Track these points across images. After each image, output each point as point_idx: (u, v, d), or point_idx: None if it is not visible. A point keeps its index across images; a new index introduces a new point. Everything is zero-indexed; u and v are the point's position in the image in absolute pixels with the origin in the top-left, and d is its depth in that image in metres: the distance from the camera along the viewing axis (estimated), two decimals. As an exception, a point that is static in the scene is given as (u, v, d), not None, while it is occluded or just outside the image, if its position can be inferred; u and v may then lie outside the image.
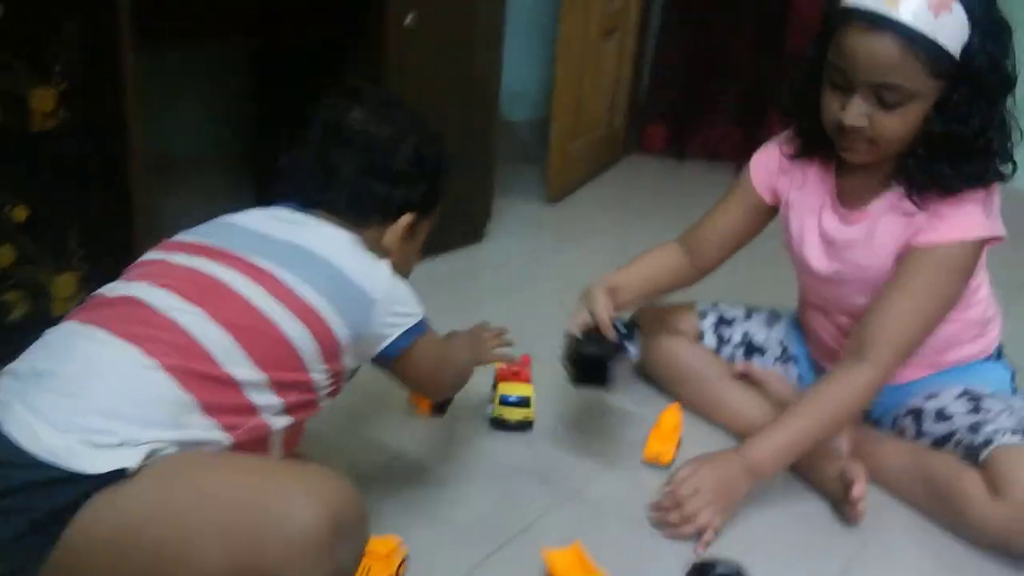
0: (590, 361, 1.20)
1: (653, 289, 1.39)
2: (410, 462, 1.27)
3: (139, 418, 0.74)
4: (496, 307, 1.83)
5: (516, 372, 1.43)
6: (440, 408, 1.38)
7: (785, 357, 1.44)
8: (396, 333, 0.93)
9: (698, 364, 1.42)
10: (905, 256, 1.15)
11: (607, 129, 3.21)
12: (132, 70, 1.41)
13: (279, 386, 0.83)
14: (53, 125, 1.38)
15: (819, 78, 1.13)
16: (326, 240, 0.92)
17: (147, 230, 1.48)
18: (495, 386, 1.41)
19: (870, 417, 1.34)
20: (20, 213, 1.36)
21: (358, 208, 0.96)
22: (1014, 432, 1.12)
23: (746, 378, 1.39)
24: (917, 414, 1.25)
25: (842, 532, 1.17)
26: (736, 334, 1.45)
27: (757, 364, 1.42)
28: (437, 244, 2.13)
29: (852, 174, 1.21)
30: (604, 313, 1.21)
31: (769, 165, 1.32)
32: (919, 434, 1.24)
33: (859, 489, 1.12)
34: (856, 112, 1.07)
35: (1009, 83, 1.07)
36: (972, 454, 1.14)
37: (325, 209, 0.96)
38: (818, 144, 1.22)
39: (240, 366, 0.80)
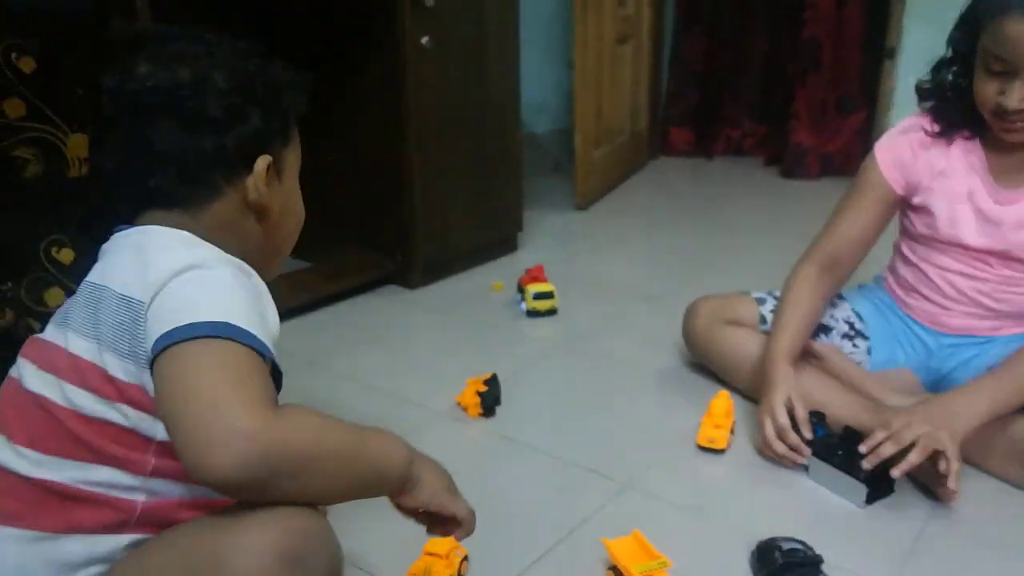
0: (879, 474, 1.13)
1: (811, 329, 1.36)
2: (462, 464, 1.26)
3: None
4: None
5: (535, 277, 1.87)
6: (489, 409, 1.39)
7: (852, 333, 1.41)
8: (168, 326, 0.63)
9: (760, 351, 1.39)
10: None
11: (630, 134, 3.22)
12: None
13: (100, 458, 0.66)
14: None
15: (967, 65, 1.19)
16: (143, 246, 0.71)
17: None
18: (521, 289, 1.85)
19: (949, 375, 1.32)
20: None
21: (196, 178, 0.73)
22: None
23: (804, 355, 1.36)
24: None
25: (914, 500, 1.14)
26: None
27: (823, 343, 1.40)
28: (471, 257, 2.16)
29: (1006, 154, 1.24)
30: (803, 413, 1.23)
31: (901, 157, 1.32)
32: None
33: (955, 467, 1.08)
34: (1019, 96, 1.13)
35: None
36: None
37: (159, 205, 0.73)
38: (963, 128, 1.26)
39: (48, 469, 0.66)
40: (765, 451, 1.24)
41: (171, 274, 0.66)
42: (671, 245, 2.43)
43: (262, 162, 0.76)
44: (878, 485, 1.14)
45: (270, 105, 0.78)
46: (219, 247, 0.72)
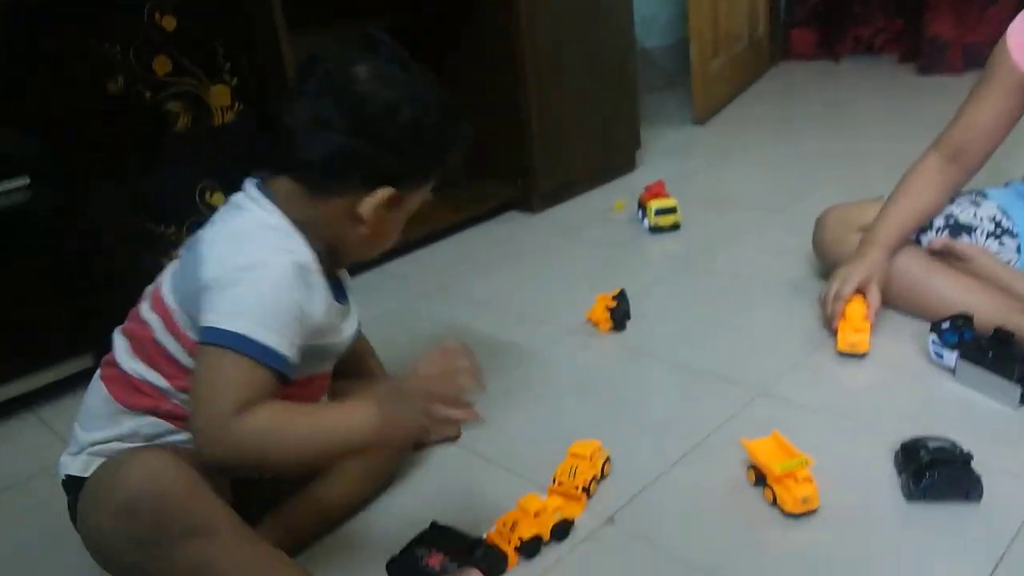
0: None
1: (921, 221, 1.33)
2: (595, 376, 1.31)
3: (87, 424, 0.90)
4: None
5: (657, 193, 1.87)
6: (620, 323, 1.42)
7: (999, 232, 1.33)
8: (206, 323, 0.80)
9: (899, 258, 1.34)
10: None
11: (749, 41, 3.08)
12: (289, 55, 1.52)
13: (158, 367, 0.88)
14: (232, 119, 1.52)
15: None
16: (229, 229, 0.87)
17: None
18: (643, 206, 1.87)
19: None
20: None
21: (336, 168, 0.86)
22: None
23: (946, 257, 1.31)
24: None
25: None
26: (938, 218, 1.36)
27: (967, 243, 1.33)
28: (591, 179, 2.16)
29: None
30: (876, 302, 1.26)
31: None
32: None
33: None
34: None
35: None
36: None
37: (292, 175, 0.87)
38: None
39: (133, 362, 0.89)
40: (821, 305, 1.29)
41: (234, 269, 0.81)
42: (795, 155, 2.34)
43: (384, 193, 0.87)
44: None
45: (428, 159, 0.91)
46: (311, 232, 0.87)
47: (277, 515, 0.97)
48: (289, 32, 1.51)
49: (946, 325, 1.19)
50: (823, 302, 1.30)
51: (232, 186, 1.53)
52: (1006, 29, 3.17)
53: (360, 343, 1.13)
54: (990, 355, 1.12)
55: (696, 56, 2.61)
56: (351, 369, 1.10)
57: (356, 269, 1.74)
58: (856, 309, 1.28)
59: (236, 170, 1.51)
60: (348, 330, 0.97)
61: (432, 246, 1.91)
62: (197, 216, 1.51)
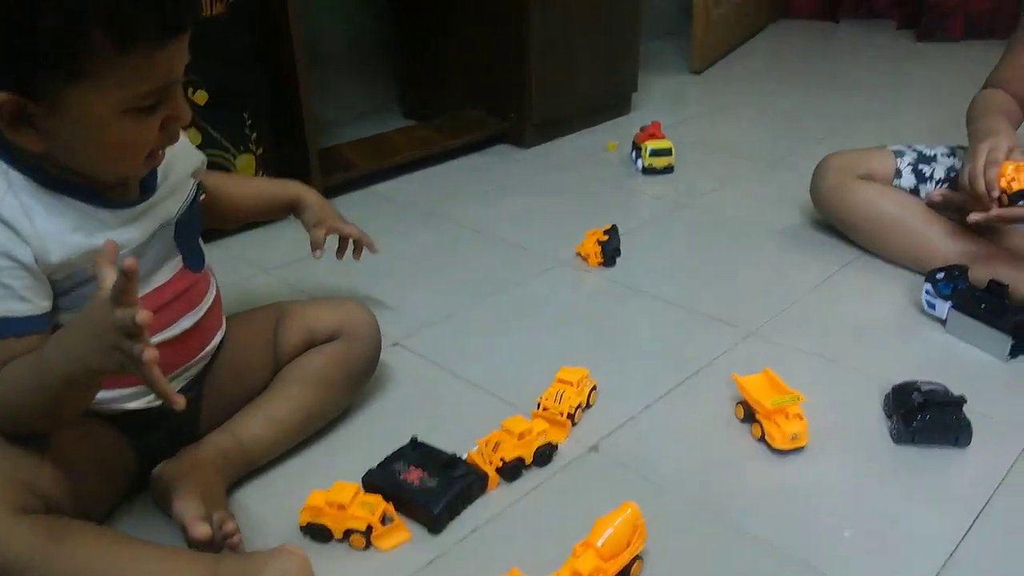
0: None
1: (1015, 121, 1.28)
2: (584, 308, 1.28)
3: None
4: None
5: (652, 134, 1.82)
6: (610, 258, 1.39)
7: None
8: None
9: (897, 208, 1.32)
10: None
11: (752, -8, 3.01)
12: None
13: None
14: (222, 11, 1.44)
15: None
16: None
17: (311, 115, 1.55)
18: (637, 146, 1.83)
19: None
20: (201, 97, 1.44)
21: None
22: None
23: (944, 208, 1.29)
24: None
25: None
26: (939, 170, 1.34)
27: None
28: (585, 117, 2.11)
29: None
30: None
31: None
32: None
33: None
34: None
35: None
36: None
37: None
38: None
39: None
40: (970, 184, 1.14)
41: None
42: (791, 110, 2.30)
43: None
44: (1023, 338, 1.09)
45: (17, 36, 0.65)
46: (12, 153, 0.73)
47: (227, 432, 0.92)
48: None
49: (940, 275, 1.18)
50: (973, 175, 1.13)
51: (218, 84, 1.47)
52: (1007, -2, 3.09)
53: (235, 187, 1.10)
54: (983, 306, 1.12)
55: (698, 4, 2.55)
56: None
57: (339, 188, 1.71)
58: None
59: (223, 69, 1.46)
60: (164, 214, 0.84)
61: (421, 171, 1.86)
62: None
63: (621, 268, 1.40)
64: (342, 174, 1.70)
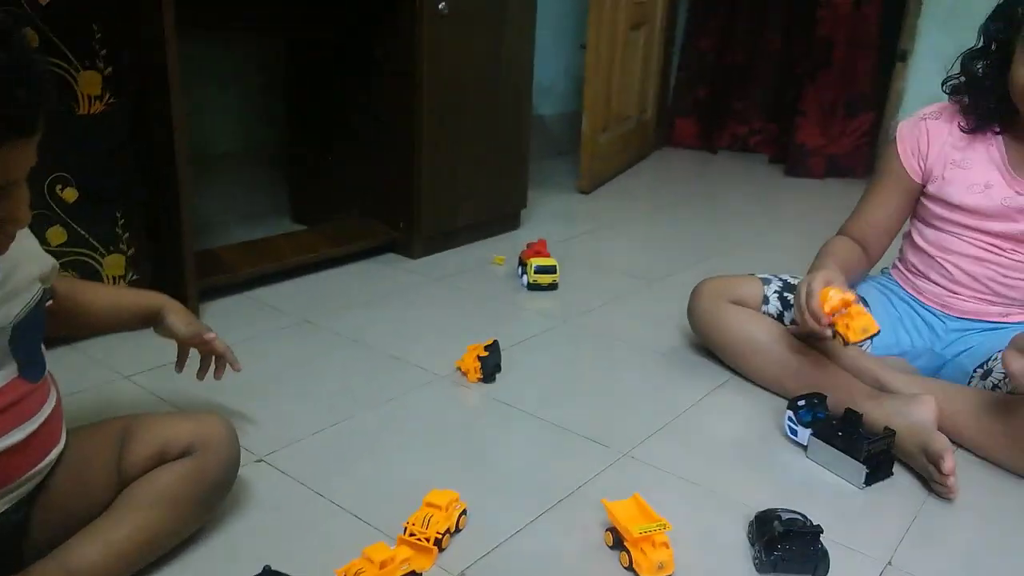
0: (879, 456, 1.14)
1: (851, 273, 1.36)
2: (460, 425, 1.26)
3: None
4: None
5: (538, 251, 1.89)
6: (489, 374, 1.38)
7: None
8: None
9: (765, 334, 1.39)
10: None
11: (637, 122, 3.21)
12: (175, 54, 1.43)
13: None
14: (100, 109, 1.41)
15: (1001, 54, 1.20)
16: None
17: (189, 216, 1.51)
18: (523, 263, 1.87)
19: (952, 361, 1.33)
20: (70, 195, 1.38)
21: None
22: None
23: (808, 338, 1.35)
24: None
25: (912, 483, 1.15)
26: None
27: None
28: (474, 231, 2.15)
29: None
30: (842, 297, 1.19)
31: (919, 145, 1.35)
32: (1008, 376, 1.22)
33: (948, 465, 1.08)
34: None
35: None
36: None
37: None
38: (994, 122, 1.27)
39: None
40: (799, 318, 1.21)
41: None
42: (673, 232, 2.43)
43: None
44: (877, 467, 1.14)
45: None
46: None
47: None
48: (178, 31, 1.42)
49: (802, 403, 1.23)
50: (800, 311, 1.20)
51: (90, 182, 1.42)
52: (864, 142, 3.47)
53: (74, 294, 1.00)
54: (839, 435, 1.16)
55: (587, 129, 2.69)
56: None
57: (214, 292, 1.65)
58: (839, 297, 1.20)
59: (96, 166, 1.41)
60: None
61: (305, 278, 1.83)
62: (44, 212, 1.37)
63: (500, 384, 1.39)
64: (219, 277, 1.65)
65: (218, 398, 1.25)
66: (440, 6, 1.83)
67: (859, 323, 1.16)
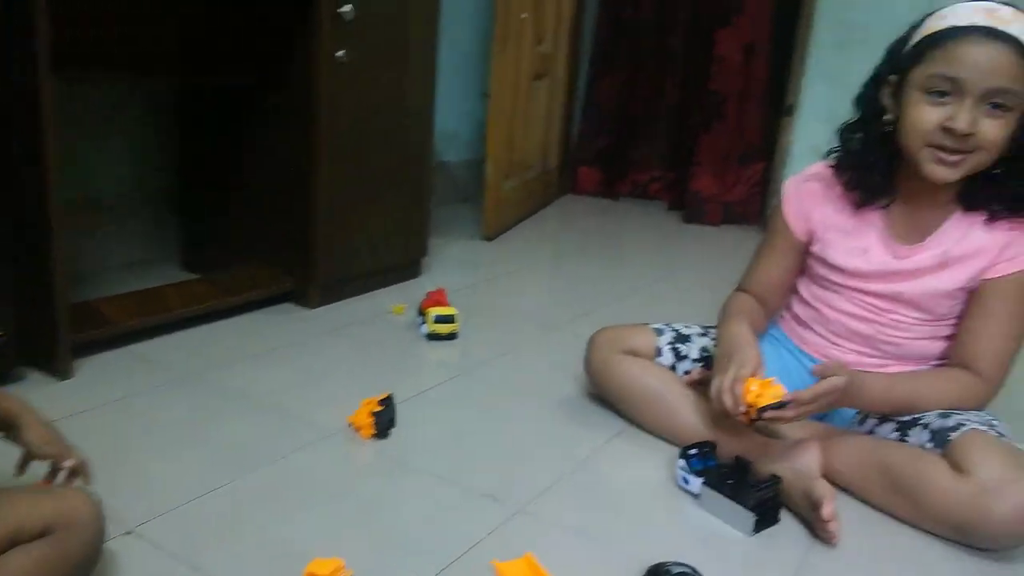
0: (767, 504, 1.15)
1: (757, 335, 1.36)
2: (350, 486, 1.21)
3: None
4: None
5: (437, 301, 1.86)
6: (383, 430, 1.35)
7: None
8: None
9: (658, 384, 1.40)
10: (991, 284, 1.23)
11: (540, 170, 3.26)
12: (50, 93, 1.35)
13: None
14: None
15: (887, 134, 1.22)
16: None
17: (61, 266, 1.42)
18: (422, 312, 1.85)
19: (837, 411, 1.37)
20: None
21: None
22: (982, 424, 1.17)
23: (700, 386, 1.38)
24: None
25: (799, 529, 1.17)
26: (693, 350, 1.46)
27: None
28: (373, 280, 2.11)
29: (907, 215, 1.28)
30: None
31: (804, 206, 1.38)
32: (883, 420, 1.28)
33: (827, 511, 1.11)
34: (969, 116, 1.13)
35: None
36: (939, 437, 1.17)
37: None
38: (882, 195, 1.29)
39: None
40: (718, 408, 1.21)
41: None
42: (575, 279, 2.45)
43: None
44: (765, 514, 1.15)
45: None
46: None
47: None
48: (59, 73, 1.35)
49: (693, 452, 1.24)
50: (721, 392, 1.20)
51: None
52: (757, 191, 3.60)
53: None
54: (729, 483, 1.18)
55: (490, 175, 2.71)
56: None
57: (91, 347, 1.56)
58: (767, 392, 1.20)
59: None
60: None
61: (192, 330, 1.74)
62: None
63: (395, 440, 1.35)
64: (96, 331, 1.55)
65: (91, 463, 1.16)
66: (339, 54, 1.81)
67: (770, 392, 1.17)
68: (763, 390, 1.17)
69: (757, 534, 1.15)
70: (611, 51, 3.61)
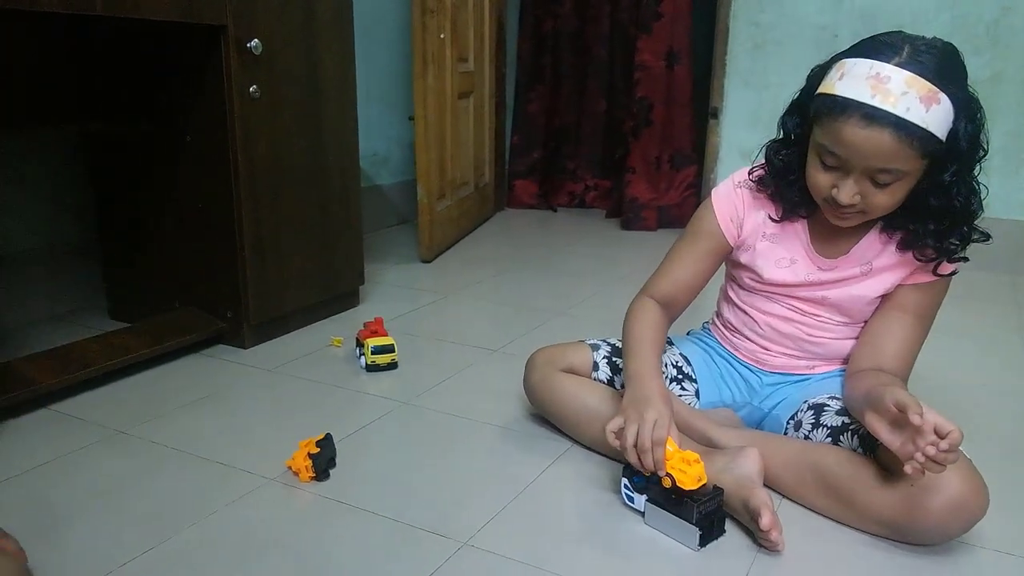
0: (711, 518, 1.14)
1: (660, 357, 1.36)
2: (289, 533, 1.18)
3: None
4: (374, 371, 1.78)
5: (375, 331, 1.82)
6: (322, 471, 1.31)
7: (680, 377, 1.45)
8: None
9: (597, 401, 1.39)
10: (907, 288, 1.28)
11: (475, 187, 3.25)
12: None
13: None
14: None
15: (800, 148, 1.22)
16: None
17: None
18: (360, 343, 1.81)
19: (770, 413, 1.39)
20: None
21: None
22: None
23: None
24: (818, 408, 1.30)
25: (744, 539, 1.17)
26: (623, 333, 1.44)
27: None
28: (310, 313, 2.07)
29: (830, 228, 1.28)
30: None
31: (736, 211, 1.36)
32: (816, 426, 1.28)
33: (766, 521, 1.11)
34: (851, 192, 1.14)
35: (983, 152, 1.16)
36: (868, 442, 1.19)
37: None
38: (802, 208, 1.30)
39: None
40: (632, 460, 1.16)
41: None
42: (516, 295, 2.45)
43: None
44: (710, 528, 1.15)
45: None
46: None
47: None
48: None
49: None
50: (632, 450, 1.16)
51: None
52: (690, 193, 3.65)
53: None
54: (672, 498, 1.17)
55: (423, 198, 2.69)
56: None
57: (10, 410, 1.49)
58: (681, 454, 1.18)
59: None
60: None
61: (121, 382, 1.69)
62: None
63: (335, 481, 1.32)
64: (14, 394, 1.49)
65: (9, 532, 1.11)
66: (251, 89, 1.78)
67: (694, 472, 1.14)
68: (685, 468, 1.14)
69: (704, 548, 1.15)
70: (536, 64, 3.63)
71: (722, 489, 1.17)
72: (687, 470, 1.14)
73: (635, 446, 1.15)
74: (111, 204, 2.02)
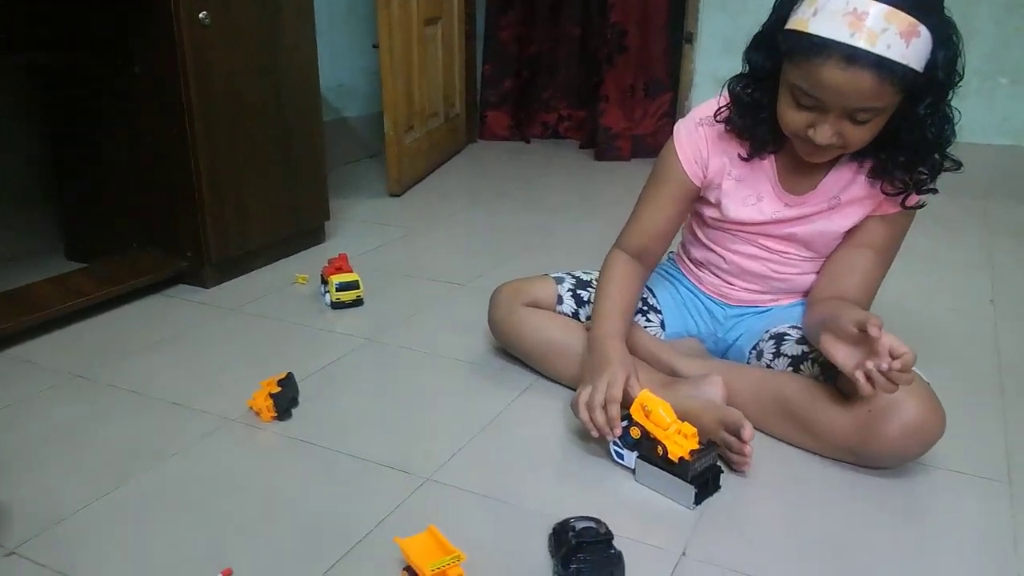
0: (706, 474, 1.10)
1: (632, 310, 1.33)
2: (251, 473, 1.17)
3: None
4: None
5: (339, 267, 1.79)
6: (284, 411, 1.30)
7: (646, 308, 1.43)
8: None
9: (562, 335, 1.38)
10: (872, 221, 1.26)
11: (445, 119, 3.17)
12: None
13: None
14: None
15: (768, 84, 1.17)
16: None
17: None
18: (325, 280, 1.77)
19: (734, 344, 1.38)
20: None
21: None
22: None
23: None
24: (779, 338, 1.30)
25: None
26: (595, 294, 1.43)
27: None
28: (274, 250, 2.03)
29: (797, 165, 1.25)
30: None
31: (700, 151, 1.30)
32: (777, 355, 1.28)
33: (748, 432, 1.11)
34: (830, 133, 1.11)
35: (958, 78, 1.10)
36: (828, 371, 1.19)
37: None
38: (770, 145, 1.25)
39: None
40: (583, 418, 1.15)
41: None
42: (487, 228, 2.41)
43: None
44: (705, 485, 1.11)
45: None
46: None
47: None
48: None
49: (624, 423, 1.16)
50: (583, 408, 1.15)
51: None
52: (665, 122, 3.58)
53: None
54: (662, 454, 1.11)
55: (390, 130, 2.62)
56: None
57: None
58: (654, 404, 1.14)
59: None
60: None
61: (77, 325, 1.65)
62: None
63: (297, 420, 1.31)
64: (-34, 339, 1.45)
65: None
66: (201, 15, 1.70)
67: (688, 445, 1.10)
68: (681, 440, 1.10)
69: (699, 506, 1.10)
70: (506, -11, 3.51)
71: (716, 443, 1.15)
72: (682, 443, 1.10)
73: (587, 404, 1.15)
74: (65, 144, 1.95)
